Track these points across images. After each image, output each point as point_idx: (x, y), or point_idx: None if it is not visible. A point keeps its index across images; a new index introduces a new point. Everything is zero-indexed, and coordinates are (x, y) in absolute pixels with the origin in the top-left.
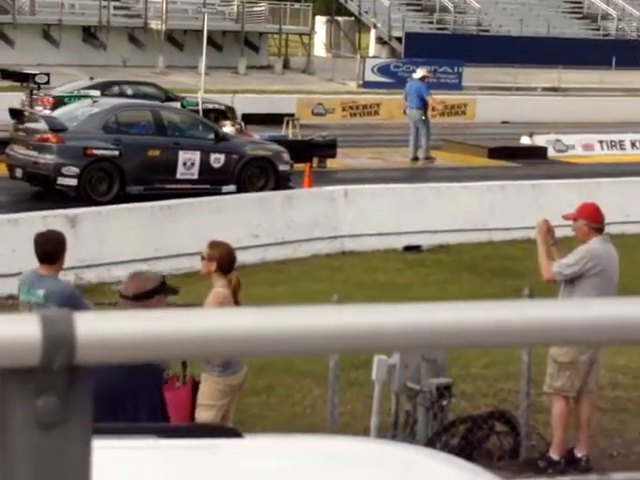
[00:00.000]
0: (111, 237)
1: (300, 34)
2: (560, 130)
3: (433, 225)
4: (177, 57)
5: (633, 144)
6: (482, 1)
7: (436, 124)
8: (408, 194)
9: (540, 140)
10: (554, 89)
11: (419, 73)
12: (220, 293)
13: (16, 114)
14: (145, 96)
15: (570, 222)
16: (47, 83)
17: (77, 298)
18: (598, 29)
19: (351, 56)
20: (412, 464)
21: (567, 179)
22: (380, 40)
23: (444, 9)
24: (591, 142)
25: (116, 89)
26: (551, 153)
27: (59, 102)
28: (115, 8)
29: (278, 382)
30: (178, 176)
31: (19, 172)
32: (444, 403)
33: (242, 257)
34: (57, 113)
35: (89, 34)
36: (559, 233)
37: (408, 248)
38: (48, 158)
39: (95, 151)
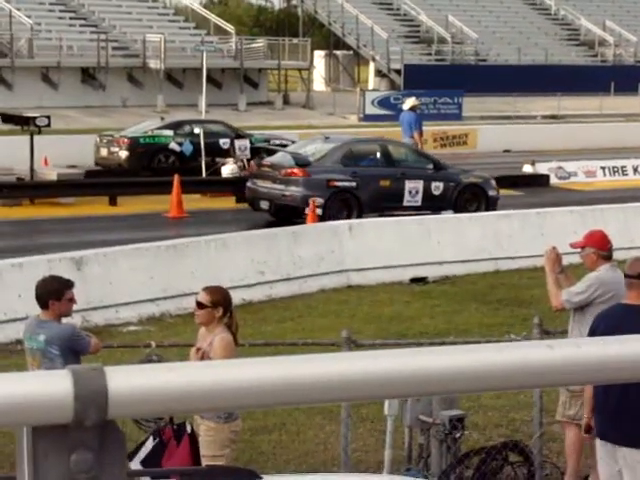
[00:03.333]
0: (118, 278)
1: (299, 69)
2: (562, 157)
3: (439, 256)
4: (177, 96)
5: (635, 169)
6: (479, 31)
7: (438, 155)
8: (412, 226)
9: (542, 168)
10: (554, 116)
11: (408, 103)
12: (228, 339)
13: (256, 152)
14: (214, 134)
15: (577, 250)
16: (48, 126)
17: (77, 339)
18: (596, 55)
19: (351, 90)
20: None
21: (570, 206)
22: (379, 73)
23: (442, 40)
24: (593, 168)
25: (187, 128)
26: (553, 180)
27: (134, 142)
28: (113, 49)
29: (289, 419)
30: (404, 203)
31: (265, 204)
32: (457, 435)
33: (248, 294)
34: (294, 148)
35: (88, 75)
36: (565, 260)
37: (414, 280)
38: (295, 190)
39: (337, 183)
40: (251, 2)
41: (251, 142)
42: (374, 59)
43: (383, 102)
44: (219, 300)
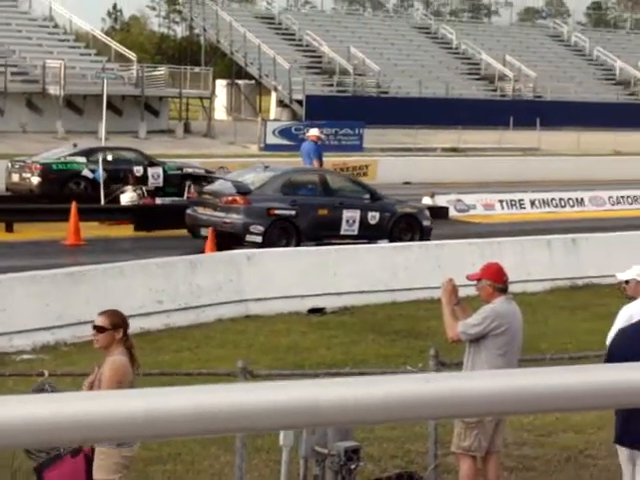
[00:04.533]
0: (12, 306)
1: (201, 98)
2: (461, 190)
3: (337, 287)
4: (76, 122)
5: (533, 203)
6: (381, 63)
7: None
8: (311, 257)
9: (441, 200)
10: (454, 149)
11: (310, 133)
12: (120, 361)
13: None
14: (128, 161)
15: (473, 282)
16: None
17: None
18: (495, 90)
19: (252, 119)
20: None
21: (469, 239)
22: (281, 103)
23: (344, 72)
24: (491, 202)
25: (100, 155)
26: (452, 213)
27: (47, 169)
28: (12, 74)
29: (184, 449)
30: (342, 232)
31: (205, 231)
32: (352, 466)
33: (146, 323)
34: (233, 176)
35: None
36: (462, 292)
37: (312, 311)
38: (236, 218)
39: (277, 211)
40: (153, 30)
41: (164, 170)
42: (276, 89)
43: (284, 132)
44: (118, 322)
